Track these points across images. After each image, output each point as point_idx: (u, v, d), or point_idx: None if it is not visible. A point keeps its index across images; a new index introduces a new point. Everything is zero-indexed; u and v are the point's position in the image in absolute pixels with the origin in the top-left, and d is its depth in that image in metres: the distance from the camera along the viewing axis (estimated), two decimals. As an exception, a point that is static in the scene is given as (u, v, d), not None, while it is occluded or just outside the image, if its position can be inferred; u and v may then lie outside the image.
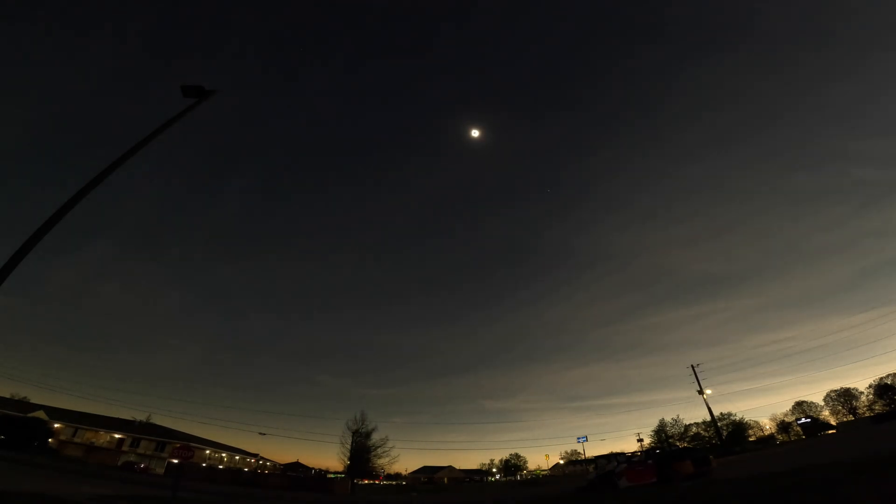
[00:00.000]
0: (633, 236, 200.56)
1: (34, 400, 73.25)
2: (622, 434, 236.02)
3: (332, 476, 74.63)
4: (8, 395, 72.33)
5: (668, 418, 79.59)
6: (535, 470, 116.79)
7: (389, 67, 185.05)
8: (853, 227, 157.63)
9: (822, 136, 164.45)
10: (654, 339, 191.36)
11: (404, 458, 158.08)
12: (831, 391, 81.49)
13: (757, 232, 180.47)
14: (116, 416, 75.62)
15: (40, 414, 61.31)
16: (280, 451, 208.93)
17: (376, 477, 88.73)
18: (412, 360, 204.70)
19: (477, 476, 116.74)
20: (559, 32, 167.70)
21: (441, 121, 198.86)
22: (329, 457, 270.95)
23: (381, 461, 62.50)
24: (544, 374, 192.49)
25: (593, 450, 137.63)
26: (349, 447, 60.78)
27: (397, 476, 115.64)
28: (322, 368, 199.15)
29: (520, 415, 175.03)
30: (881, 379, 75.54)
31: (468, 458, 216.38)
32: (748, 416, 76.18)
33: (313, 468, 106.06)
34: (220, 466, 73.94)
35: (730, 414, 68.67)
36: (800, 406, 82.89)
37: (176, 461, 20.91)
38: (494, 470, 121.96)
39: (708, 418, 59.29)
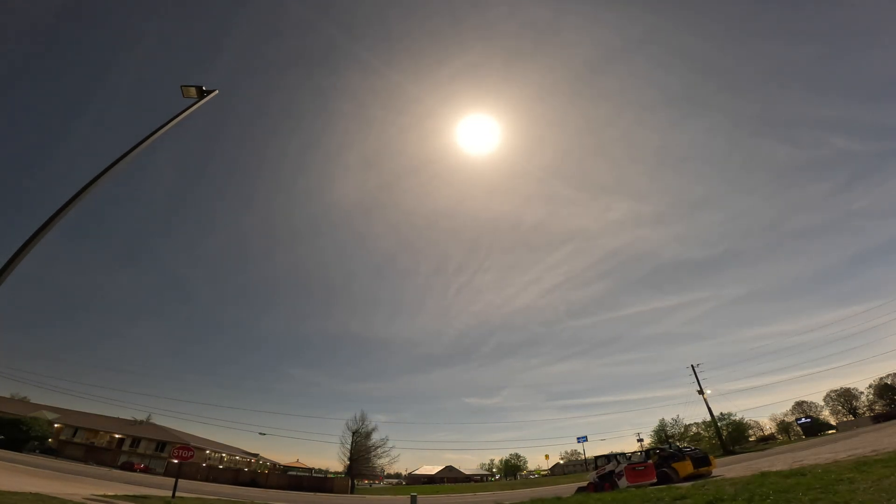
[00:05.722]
0: (589, 213, 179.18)
1: (34, 400, 73.53)
2: (622, 434, 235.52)
3: (332, 476, 74.70)
4: (8, 395, 72.51)
5: (667, 418, 79.79)
6: (535, 470, 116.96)
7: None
8: (839, 205, 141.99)
9: (788, 100, 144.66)
10: (633, 332, 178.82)
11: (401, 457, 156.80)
12: (831, 391, 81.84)
13: (731, 210, 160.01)
14: (116, 416, 75.79)
15: (40, 414, 61.32)
16: (280, 451, 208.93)
17: (376, 477, 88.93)
18: (392, 354, 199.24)
19: (477, 476, 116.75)
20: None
21: None
22: (329, 457, 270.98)
23: (381, 461, 62.84)
24: (523, 370, 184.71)
25: (594, 450, 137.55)
26: (349, 447, 61.00)
27: (397, 476, 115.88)
28: (296, 362, 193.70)
29: (507, 413, 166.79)
30: (881, 379, 75.70)
31: (467, 458, 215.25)
32: (748, 417, 76.30)
33: (313, 468, 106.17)
34: (220, 466, 73.93)
35: (730, 414, 68.77)
36: (800, 406, 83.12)
37: (176, 461, 20.95)
38: (495, 470, 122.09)
39: (708, 418, 59.37)
